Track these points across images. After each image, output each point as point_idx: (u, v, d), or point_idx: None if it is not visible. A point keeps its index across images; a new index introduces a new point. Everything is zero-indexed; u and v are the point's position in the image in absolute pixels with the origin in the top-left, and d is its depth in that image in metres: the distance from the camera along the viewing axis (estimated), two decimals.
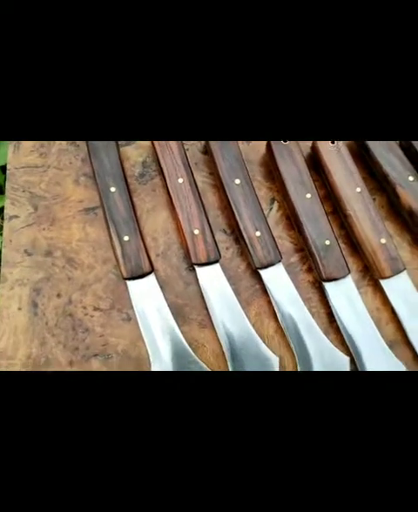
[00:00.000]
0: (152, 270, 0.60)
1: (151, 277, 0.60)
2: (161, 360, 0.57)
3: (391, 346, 0.59)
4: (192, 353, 0.57)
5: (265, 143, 0.68)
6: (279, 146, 0.65)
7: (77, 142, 0.69)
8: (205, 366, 0.57)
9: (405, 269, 0.61)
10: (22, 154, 0.68)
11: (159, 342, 0.58)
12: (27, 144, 0.68)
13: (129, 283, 0.59)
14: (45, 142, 0.68)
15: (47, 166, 0.67)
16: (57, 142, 0.69)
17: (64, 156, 0.68)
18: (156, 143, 0.64)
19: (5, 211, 0.65)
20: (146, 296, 0.59)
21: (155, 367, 0.57)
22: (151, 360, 0.57)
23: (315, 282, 0.63)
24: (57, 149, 0.68)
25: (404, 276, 0.61)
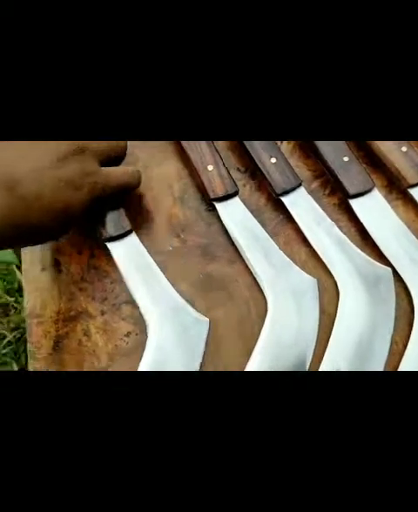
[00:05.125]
0: (132, 230, 0.56)
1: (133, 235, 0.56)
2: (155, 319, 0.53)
3: None
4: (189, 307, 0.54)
5: None
6: None
7: None
8: (203, 318, 0.54)
9: None
10: None
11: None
12: None
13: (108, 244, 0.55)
14: None
15: None
16: None
17: None
18: None
19: None
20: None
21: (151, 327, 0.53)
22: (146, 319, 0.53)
23: (341, 203, 0.60)
24: None
25: None
